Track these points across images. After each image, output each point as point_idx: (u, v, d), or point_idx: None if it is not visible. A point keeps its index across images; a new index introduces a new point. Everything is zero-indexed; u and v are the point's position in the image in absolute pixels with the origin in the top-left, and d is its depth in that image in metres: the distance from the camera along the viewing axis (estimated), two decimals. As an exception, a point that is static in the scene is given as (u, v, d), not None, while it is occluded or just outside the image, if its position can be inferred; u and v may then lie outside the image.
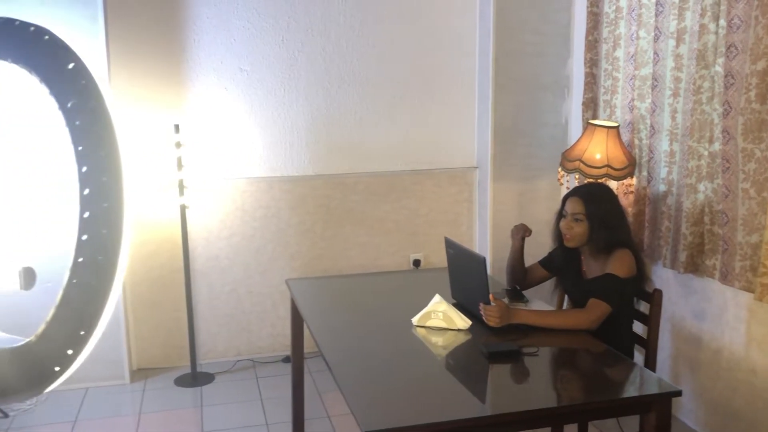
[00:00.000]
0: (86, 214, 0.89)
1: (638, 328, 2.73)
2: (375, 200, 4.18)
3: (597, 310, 2.49)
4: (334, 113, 4.07)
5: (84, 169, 0.89)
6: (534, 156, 4.08)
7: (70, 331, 0.89)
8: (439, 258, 4.20)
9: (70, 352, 0.90)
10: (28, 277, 1.29)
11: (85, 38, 3.53)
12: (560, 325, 2.50)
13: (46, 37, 0.95)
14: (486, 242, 4.15)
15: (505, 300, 2.68)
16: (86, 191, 0.89)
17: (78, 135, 0.90)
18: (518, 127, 4.05)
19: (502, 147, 4.04)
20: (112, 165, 0.89)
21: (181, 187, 3.72)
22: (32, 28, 0.96)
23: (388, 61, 4.08)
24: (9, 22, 0.98)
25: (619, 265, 2.57)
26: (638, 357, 2.64)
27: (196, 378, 3.84)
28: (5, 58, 0.98)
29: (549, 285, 2.95)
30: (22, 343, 0.93)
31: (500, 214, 4.08)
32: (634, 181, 3.39)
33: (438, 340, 2.48)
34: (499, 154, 4.05)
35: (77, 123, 0.90)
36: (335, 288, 3.23)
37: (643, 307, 2.68)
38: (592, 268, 2.70)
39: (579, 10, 3.92)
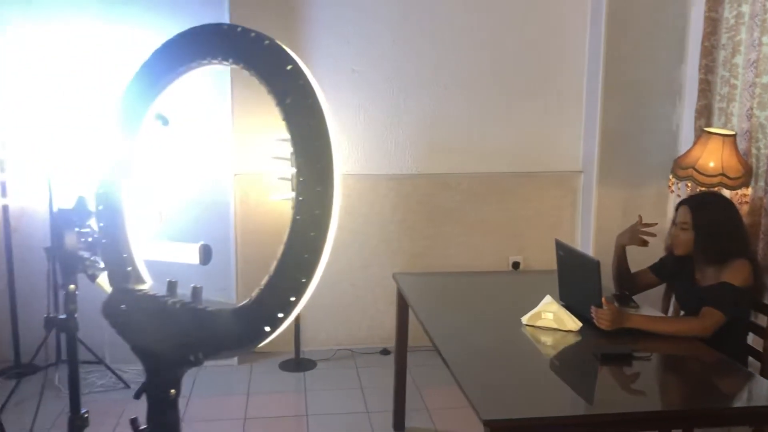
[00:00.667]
0: (300, 198, 1.03)
1: (750, 340, 2.69)
2: (476, 201, 4.26)
3: (711, 318, 2.49)
4: (439, 113, 4.18)
5: (300, 159, 1.03)
6: (642, 162, 4.06)
7: (282, 297, 1.04)
8: (539, 261, 4.25)
9: (280, 315, 1.05)
10: (206, 253, 1.47)
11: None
12: (673, 331, 2.51)
13: (266, 42, 1.11)
14: (588, 247, 4.16)
15: (615, 304, 2.71)
16: (301, 178, 1.03)
17: (295, 128, 1.05)
18: (626, 132, 4.05)
19: (608, 152, 4.05)
20: (325, 154, 1.03)
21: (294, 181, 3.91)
22: (253, 34, 1.12)
23: (495, 63, 4.17)
24: (232, 28, 1.14)
25: (735, 274, 2.56)
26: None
27: (299, 364, 4.05)
28: (226, 59, 1.15)
29: (659, 291, 2.95)
30: (241, 304, 1.09)
31: (604, 219, 4.09)
32: (749, 191, 3.33)
33: (547, 339, 2.54)
34: (605, 159, 4.05)
35: (294, 118, 1.05)
36: (440, 284, 3.34)
37: (760, 319, 2.65)
38: (706, 276, 2.69)
39: (696, 15, 3.88)
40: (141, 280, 1.34)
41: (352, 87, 4.11)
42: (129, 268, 1.34)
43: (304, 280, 1.03)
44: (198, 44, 1.23)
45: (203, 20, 3.76)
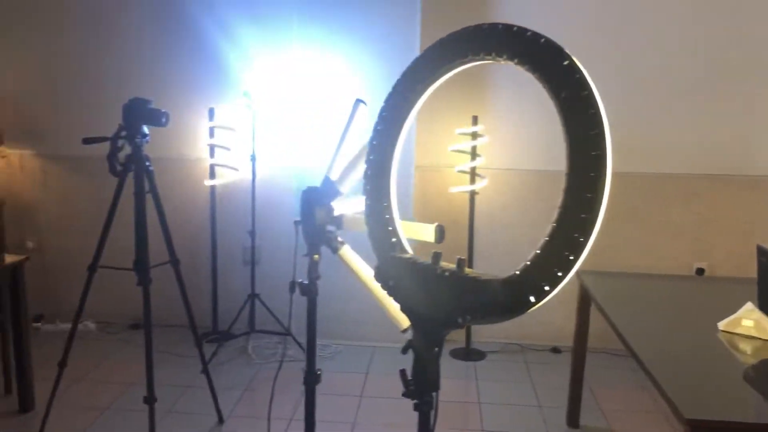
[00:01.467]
0: (573, 182, 1.16)
1: None
2: (660, 202, 4.19)
3: None
4: (626, 110, 4.17)
5: (574, 146, 1.16)
6: None
7: (549, 271, 1.17)
8: (725, 269, 4.11)
9: (546, 288, 1.18)
10: (441, 232, 1.64)
11: (402, 34, 4.00)
12: None
13: (542, 40, 1.24)
14: (785, 257, 3.94)
15: (826, 316, 2.59)
16: (575, 164, 1.16)
17: (569, 118, 1.18)
18: (838, 136, 3.80)
19: (815, 156, 3.82)
20: (600, 142, 1.15)
21: (473, 174, 4.05)
22: (529, 33, 1.26)
23: (692, 61, 4.09)
24: (508, 27, 1.29)
25: None
26: None
27: (469, 353, 4.19)
28: (500, 55, 1.30)
29: None
30: (508, 275, 1.24)
31: (806, 228, 3.87)
32: None
33: (746, 347, 2.50)
34: (811, 163, 3.83)
35: (570, 110, 1.17)
36: (625, 284, 3.34)
37: None
38: None
39: None
40: (405, 250, 1.54)
41: (534, 82, 4.16)
42: (394, 240, 1.53)
43: (572, 258, 1.15)
44: (473, 42, 1.40)
45: (397, 19, 3.99)
